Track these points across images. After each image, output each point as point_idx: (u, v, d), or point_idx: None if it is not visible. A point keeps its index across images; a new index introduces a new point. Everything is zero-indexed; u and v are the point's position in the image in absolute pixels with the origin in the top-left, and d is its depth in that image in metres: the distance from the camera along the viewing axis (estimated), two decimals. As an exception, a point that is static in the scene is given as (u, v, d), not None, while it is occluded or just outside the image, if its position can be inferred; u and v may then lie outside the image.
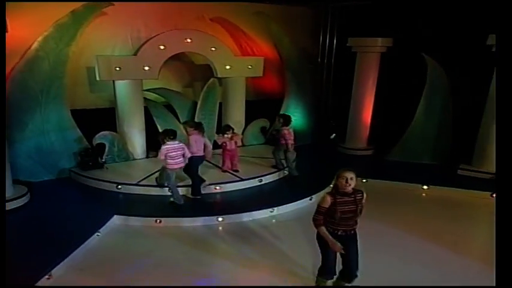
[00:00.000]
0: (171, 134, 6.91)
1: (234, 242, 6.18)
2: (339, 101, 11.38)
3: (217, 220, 6.74)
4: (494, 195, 7.86)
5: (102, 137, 8.61)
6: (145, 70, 8.77)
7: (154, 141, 8.22)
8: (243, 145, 10.53)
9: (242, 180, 8.03)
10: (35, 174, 8.00)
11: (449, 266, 5.49)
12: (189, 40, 9.21)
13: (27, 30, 7.66)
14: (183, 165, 7.03)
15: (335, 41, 11.20)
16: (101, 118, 8.89)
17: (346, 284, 4.70)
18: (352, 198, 4.25)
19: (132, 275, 5.13)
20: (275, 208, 7.17)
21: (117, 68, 8.44)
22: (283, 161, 8.69)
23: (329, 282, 4.73)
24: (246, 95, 10.45)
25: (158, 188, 7.51)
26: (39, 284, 4.77)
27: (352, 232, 4.43)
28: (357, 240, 4.50)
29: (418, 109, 9.67)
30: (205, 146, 7.53)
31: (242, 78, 10.19)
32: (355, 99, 10.53)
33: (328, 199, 4.23)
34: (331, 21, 11.20)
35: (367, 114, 10.56)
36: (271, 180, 8.43)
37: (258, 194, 7.86)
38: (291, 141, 8.25)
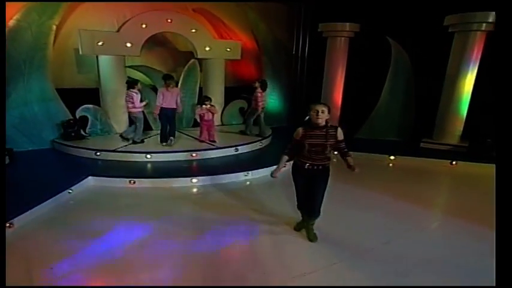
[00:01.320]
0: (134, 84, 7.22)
1: (206, 197, 5.56)
2: (313, 85, 10.80)
3: (191, 182, 6.03)
4: (454, 162, 7.46)
5: (85, 109, 7.84)
6: (127, 47, 8.01)
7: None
8: (222, 124, 9.87)
9: (218, 148, 7.37)
10: (18, 144, 7.12)
11: (413, 215, 5.13)
12: (169, 20, 8.50)
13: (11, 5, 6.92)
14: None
15: (308, 31, 10.64)
16: (87, 97, 8.05)
17: (309, 223, 4.21)
18: (324, 132, 3.69)
19: (95, 228, 4.37)
20: (249, 172, 6.51)
21: (100, 43, 7.67)
22: (252, 128, 8.48)
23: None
24: (225, 82, 9.81)
25: (136, 154, 6.82)
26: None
27: (321, 167, 3.84)
28: (325, 177, 3.92)
29: (383, 90, 9.11)
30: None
31: (221, 60, 9.52)
32: (327, 82, 9.85)
33: (300, 131, 3.76)
34: (304, 12, 10.68)
35: (338, 96, 9.89)
36: (247, 151, 7.77)
37: (234, 161, 7.17)
38: (262, 104, 8.03)
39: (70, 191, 5.30)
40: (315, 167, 3.83)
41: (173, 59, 9.75)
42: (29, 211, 4.50)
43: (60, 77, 7.98)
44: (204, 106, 7.50)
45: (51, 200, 4.91)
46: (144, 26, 8.21)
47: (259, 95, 8.10)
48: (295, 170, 4.01)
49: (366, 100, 9.44)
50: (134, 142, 7.37)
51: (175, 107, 7.47)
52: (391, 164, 7.77)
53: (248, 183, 6.30)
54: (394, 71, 8.95)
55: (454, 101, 8.08)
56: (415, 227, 4.71)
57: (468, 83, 7.92)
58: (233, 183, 6.21)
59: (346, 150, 3.89)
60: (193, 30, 8.85)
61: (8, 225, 4.15)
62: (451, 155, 7.74)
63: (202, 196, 5.67)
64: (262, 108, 8.22)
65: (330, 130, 3.72)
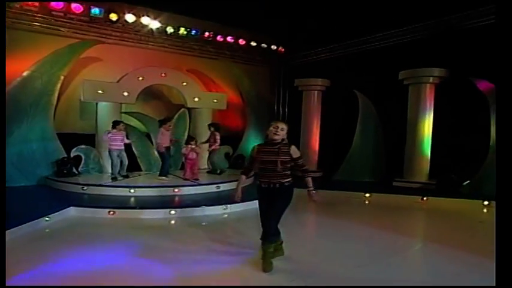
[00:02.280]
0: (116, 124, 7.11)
1: (182, 229, 5.16)
2: (292, 132, 10.82)
3: (170, 213, 5.69)
4: (424, 198, 7.17)
5: (79, 149, 7.72)
6: (124, 95, 8.17)
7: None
8: (209, 168, 9.70)
9: (200, 185, 7.11)
10: (12, 179, 6.77)
11: (387, 241, 4.72)
12: (163, 74, 8.77)
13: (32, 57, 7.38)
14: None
15: (287, 86, 11.04)
16: (86, 141, 8.02)
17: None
18: (276, 149, 3.38)
19: (56, 255, 3.87)
20: (228, 206, 6.13)
21: (100, 91, 7.83)
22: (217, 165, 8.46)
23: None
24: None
25: (121, 188, 6.56)
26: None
27: (278, 186, 3.44)
28: (284, 197, 3.48)
29: (355, 135, 9.10)
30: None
31: (209, 110, 9.66)
32: (304, 129, 9.88)
33: (255, 147, 3.49)
34: (283, 71, 11.18)
35: (315, 142, 9.87)
36: (229, 188, 7.51)
37: (214, 196, 6.84)
38: (218, 143, 8.26)
39: (47, 218, 4.94)
40: (271, 186, 3.45)
41: (167, 110, 9.86)
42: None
43: (64, 122, 8.13)
44: (188, 146, 7.40)
45: (26, 225, 4.56)
46: (140, 78, 8.44)
47: (218, 136, 8.27)
48: (257, 191, 3.61)
49: (341, 145, 9.40)
50: (114, 179, 7.06)
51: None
52: (367, 202, 7.46)
53: (226, 215, 5.96)
54: (363, 119, 9.01)
55: (417, 143, 8.03)
56: (391, 252, 4.30)
57: (427, 127, 7.98)
58: (211, 216, 5.87)
59: (305, 168, 3.59)
60: (184, 83, 9.10)
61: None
62: (421, 191, 7.48)
63: (175, 226, 5.32)
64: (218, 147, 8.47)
65: (283, 147, 3.42)
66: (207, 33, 9.79)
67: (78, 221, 5.23)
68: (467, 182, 7.40)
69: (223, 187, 7.37)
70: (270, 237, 3.52)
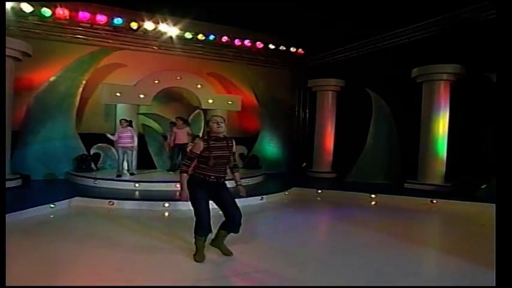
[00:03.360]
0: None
1: (171, 222, 5.38)
2: (309, 134, 10.80)
3: (164, 206, 5.99)
4: (434, 201, 6.79)
5: (98, 147, 8.41)
6: (140, 97, 8.76)
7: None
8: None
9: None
10: (37, 173, 7.61)
11: (392, 247, 4.31)
12: (179, 78, 9.27)
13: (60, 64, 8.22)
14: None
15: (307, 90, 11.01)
16: (109, 140, 8.67)
17: (228, 231, 3.70)
18: (225, 144, 3.49)
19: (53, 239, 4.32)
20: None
21: (118, 94, 8.51)
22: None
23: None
24: (230, 132, 10.14)
25: (126, 182, 7.05)
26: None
27: (222, 180, 3.56)
28: (225, 188, 3.61)
29: (368, 136, 8.82)
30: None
31: (224, 111, 9.93)
32: (318, 130, 9.82)
33: (201, 144, 3.43)
34: (303, 75, 11.20)
35: (329, 143, 9.73)
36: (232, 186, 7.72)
37: None
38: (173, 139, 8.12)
39: (52, 205, 5.52)
40: (220, 180, 3.54)
41: (187, 112, 10.32)
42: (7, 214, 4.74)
43: (90, 124, 8.83)
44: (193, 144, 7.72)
45: (32, 209, 5.15)
46: (156, 81, 8.98)
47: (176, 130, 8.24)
48: (196, 185, 3.48)
49: (355, 146, 9.17)
50: (119, 175, 7.45)
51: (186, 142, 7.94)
52: (373, 203, 7.20)
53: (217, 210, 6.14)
54: (376, 119, 8.74)
55: (430, 143, 7.60)
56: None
57: (441, 126, 7.53)
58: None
59: (236, 163, 3.71)
60: (199, 86, 9.50)
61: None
62: (433, 194, 7.05)
63: (165, 217, 5.63)
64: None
65: (230, 142, 3.53)
66: (224, 38, 10.15)
67: (79, 210, 5.73)
68: (485, 185, 6.86)
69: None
70: (238, 222, 3.63)
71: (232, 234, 3.76)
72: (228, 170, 3.69)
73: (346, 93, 9.50)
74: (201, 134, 9.60)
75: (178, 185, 6.77)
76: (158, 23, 9.17)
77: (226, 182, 3.68)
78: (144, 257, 3.78)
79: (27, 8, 7.70)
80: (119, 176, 7.37)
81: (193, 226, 3.60)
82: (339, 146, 9.70)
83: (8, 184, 6.31)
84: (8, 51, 6.24)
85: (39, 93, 7.87)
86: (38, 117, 7.79)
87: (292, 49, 11.08)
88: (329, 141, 9.75)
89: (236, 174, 3.71)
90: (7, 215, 4.42)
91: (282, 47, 10.94)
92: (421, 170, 7.82)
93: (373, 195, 7.28)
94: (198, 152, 3.44)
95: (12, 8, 7.60)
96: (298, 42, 11.06)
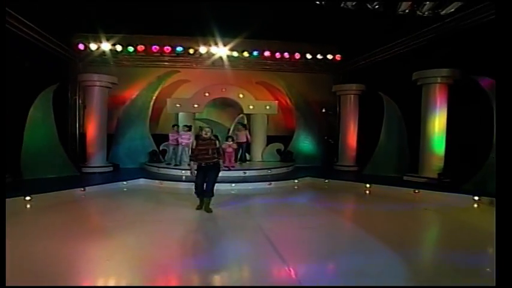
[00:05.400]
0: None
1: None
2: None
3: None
4: (416, 191, 7.82)
5: (165, 145, 11.41)
6: (195, 107, 11.54)
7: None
8: (262, 160, 12.07)
9: (229, 170, 9.63)
10: (124, 163, 10.94)
11: (335, 226, 5.64)
12: (223, 90, 11.76)
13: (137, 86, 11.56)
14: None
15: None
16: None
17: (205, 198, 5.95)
18: (207, 142, 5.78)
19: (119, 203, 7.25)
20: (234, 184, 8.47)
21: (178, 105, 11.43)
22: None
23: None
24: (268, 131, 12.26)
25: (177, 171, 9.80)
26: (74, 192, 7.41)
27: (211, 164, 5.82)
28: (215, 170, 5.87)
29: (381, 133, 9.91)
30: None
31: (263, 115, 12.08)
32: (342, 129, 11.25)
33: (194, 143, 5.89)
34: (341, 80, 12.55)
35: (353, 140, 11.07)
36: (255, 174, 9.85)
37: (241, 178, 9.19)
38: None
39: (124, 182, 8.54)
40: (208, 164, 5.83)
41: (237, 114, 12.72)
42: (96, 186, 7.85)
43: (165, 127, 11.80)
44: (227, 142, 10.07)
45: (111, 184, 8.22)
46: (207, 94, 11.64)
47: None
48: (198, 168, 5.94)
49: (372, 143, 10.30)
50: (168, 164, 10.32)
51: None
52: (367, 191, 8.50)
53: (234, 192, 8.34)
54: (387, 119, 9.79)
55: (427, 141, 8.43)
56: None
57: (437, 125, 8.31)
58: (220, 190, 8.05)
59: (220, 153, 6.00)
60: (241, 96, 11.82)
61: (82, 189, 7.50)
62: (424, 186, 7.98)
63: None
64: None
65: (212, 141, 5.83)
66: (266, 53, 12.24)
67: (142, 187, 8.63)
68: (473, 179, 7.51)
69: (249, 173, 9.73)
70: (211, 193, 5.91)
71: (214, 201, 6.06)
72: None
73: (366, 97, 10.66)
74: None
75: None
76: (210, 45, 11.75)
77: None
78: (173, 207, 6.51)
79: (119, 47, 11.14)
80: (168, 165, 10.19)
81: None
82: (361, 143, 10.89)
83: (105, 169, 9.89)
84: (101, 83, 9.65)
85: (125, 107, 11.28)
86: (124, 124, 11.19)
87: (329, 56, 12.48)
88: (352, 138, 11.06)
89: (220, 161, 6.04)
90: (104, 185, 7.56)
91: (319, 55, 12.46)
92: (420, 165, 8.68)
93: (367, 185, 8.53)
94: (193, 148, 5.89)
95: (110, 49, 11.10)
96: (336, 48, 12.38)
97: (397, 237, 4.89)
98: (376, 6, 5.80)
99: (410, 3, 5.80)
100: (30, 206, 6.40)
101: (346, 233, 5.39)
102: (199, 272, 3.76)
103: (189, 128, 10.32)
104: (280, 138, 12.42)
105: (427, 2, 5.83)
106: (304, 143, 12.22)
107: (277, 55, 12.31)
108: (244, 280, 3.65)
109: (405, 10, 5.96)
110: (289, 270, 3.64)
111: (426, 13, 6.05)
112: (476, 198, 6.93)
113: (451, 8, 6.05)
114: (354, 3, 5.86)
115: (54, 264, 3.78)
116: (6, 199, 6.10)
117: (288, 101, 12.55)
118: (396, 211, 6.56)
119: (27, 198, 6.45)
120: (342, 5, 5.91)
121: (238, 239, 4.88)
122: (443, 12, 6.11)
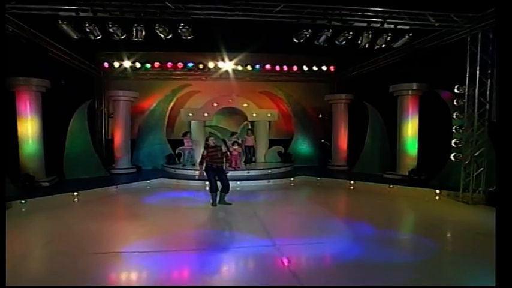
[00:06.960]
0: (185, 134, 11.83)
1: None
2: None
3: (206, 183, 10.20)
4: (391, 186, 9.34)
5: (181, 149, 13.15)
6: (205, 116, 13.28)
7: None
8: (265, 161, 13.72)
9: (235, 170, 11.31)
10: (145, 165, 12.74)
11: (315, 214, 7.97)
12: (230, 100, 13.48)
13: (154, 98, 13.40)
14: None
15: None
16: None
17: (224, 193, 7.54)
18: (215, 148, 7.38)
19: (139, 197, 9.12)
20: (239, 182, 10.09)
21: (190, 114, 13.20)
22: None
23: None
24: (270, 135, 13.90)
25: (190, 171, 11.52)
26: (109, 189, 9.20)
27: (220, 166, 7.38)
28: (224, 171, 7.44)
29: (366, 137, 11.48)
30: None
31: (265, 122, 13.75)
32: (334, 133, 12.84)
33: (204, 151, 7.47)
34: (336, 88, 14.17)
35: (343, 143, 12.67)
36: (257, 174, 11.50)
37: (237, 177, 10.84)
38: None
39: (148, 181, 10.32)
40: (219, 166, 7.41)
41: (243, 121, 14.46)
42: (125, 184, 9.63)
43: (178, 133, 13.61)
44: (233, 146, 11.77)
45: (137, 182, 10.01)
46: (215, 104, 13.38)
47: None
48: (209, 169, 7.41)
49: (360, 145, 11.86)
50: (184, 166, 12.06)
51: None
52: (352, 187, 10.06)
53: (238, 188, 9.99)
54: (371, 125, 11.37)
55: (401, 143, 10.03)
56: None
57: (410, 130, 9.91)
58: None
59: (226, 157, 7.58)
60: (245, 105, 13.52)
61: (115, 187, 9.29)
62: (398, 182, 9.52)
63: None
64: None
65: (218, 147, 7.46)
66: (267, 66, 13.92)
67: (163, 184, 10.39)
68: (438, 175, 9.01)
69: (252, 172, 11.40)
70: (228, 189, 7.53)
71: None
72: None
73: (354, 105, 12.26)
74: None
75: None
76: (217, 60, 13.47)
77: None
78: (189, 199, 8.19)
79: (138, 64, 12.98)
80: (184, 166, 11.93)
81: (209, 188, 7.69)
82: (350, 145, 12.47)
83: (130, 171, 11.67)
84: (126, 98, 11.52)
85: (145, 116, 13.12)
86: (145, 131, 13.02)
87: (324, 67, 14.06)
88: (343, 141, 12.65)
89: (224, 163, 7.60)
90: (131, 183, 9.34)
91: (314, 67, 14.07)
92: (397, 164, 10.23)
93: (352, 182, 10.11)
94: (204, 154, 7.48)
95: (130, 66, 12.95)
96: (331, 59, 13.95)
97: (354, 217, 6.58)
98: (343, 42, 7.41)
99: (369, 39, 7.38)
100: (78, 199, 8.19)
101: (319, 216, 6.99)
102: (208, 235, 5.52)
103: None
104: (281, 141, 14.07)
105: (381, 38, 7.40)
106: (302, 146, 13.83)
107: (277, 68, 13.97)
108: (238, 238, 5.44)
109: (365, 44, 7.53)
110: (270, 238, 5.29)
111: (383, 45, 7.61)
112: (437, 191, 8.43)
113: (400, 43, 7.60)
114: (324, 41, 7.47)
115: (107, 235, 5.54)
116: (57, 195, 8.06)
117: (287, 108, 14.19)
118: (368, 202, 8.13)
119: (75, 193, 8.24)
120: (316, 42, 7.51)
121: (238, 221, 6.57)
122: (395, 45, 7.67)
